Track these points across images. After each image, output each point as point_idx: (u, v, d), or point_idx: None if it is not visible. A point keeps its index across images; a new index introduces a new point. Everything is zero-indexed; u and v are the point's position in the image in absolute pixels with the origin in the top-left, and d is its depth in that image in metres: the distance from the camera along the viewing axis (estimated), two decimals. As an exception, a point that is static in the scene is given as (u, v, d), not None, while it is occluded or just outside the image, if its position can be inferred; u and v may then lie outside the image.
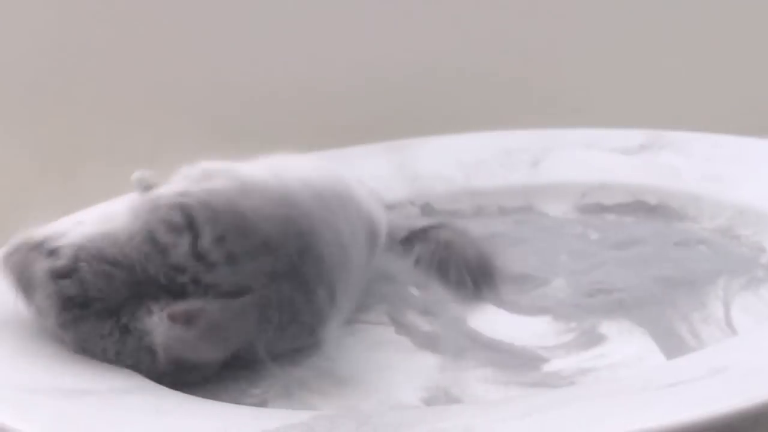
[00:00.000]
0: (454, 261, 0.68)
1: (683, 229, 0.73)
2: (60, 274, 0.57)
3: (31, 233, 0.60)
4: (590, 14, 0.97)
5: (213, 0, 0.95)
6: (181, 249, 0.57)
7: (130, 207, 0.60)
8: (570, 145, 0.82)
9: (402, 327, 0.63)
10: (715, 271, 0.66)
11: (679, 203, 0.75)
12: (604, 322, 0.62)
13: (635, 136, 0.82)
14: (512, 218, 0.78)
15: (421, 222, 0.73)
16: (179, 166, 0.64)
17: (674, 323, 0.60)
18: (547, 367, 0.58)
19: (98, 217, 0.61)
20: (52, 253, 0.58)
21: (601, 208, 0.78)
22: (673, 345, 0.58)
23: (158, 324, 0.56)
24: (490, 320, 0.63)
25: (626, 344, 0.59)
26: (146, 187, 0.65)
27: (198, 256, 0.57)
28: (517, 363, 0.58)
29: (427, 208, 0.79)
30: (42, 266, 0.58)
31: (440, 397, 0.56)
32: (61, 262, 0.57)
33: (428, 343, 0.61)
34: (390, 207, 0.73)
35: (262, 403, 0.56)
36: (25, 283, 0.59)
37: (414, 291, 0.67)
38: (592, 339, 0.60)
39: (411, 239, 0.70)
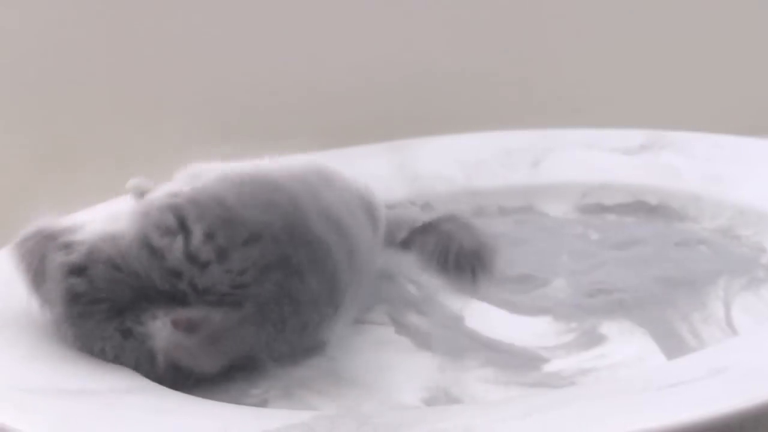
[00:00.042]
0: (453, 249, 0.68)
1: (684, 230, 0.73)
2: (72, 270, 0.57)
3: (48, 222, 0.60)
4: (591, 14, 0.97)
5: (213, 0, 0.95)
6: (176, 252, 0.57)
7: (129, 212, 0.60)
8: (570, 145, 0.82)
9: (402, 327, 0.63)
10: (716, 272, 0.66)
11: (679, 203, 0.75)
12: (605, 322, 0.62)
13: (636, 136, 0.82)
14: (512, 218, 0.78)
15: (425, 216, 0.73)
16: (178, 168, 0.64)
17: (675, 323, 0.60)
18: (548, 368, 0.58)
19: (108, 217, 0.61)
20: (67, 246, 0.58)
21: (602, 209, 0.78)
22: (673, 345, 0.58)
23: (161, 329, 0.56)
24: (491, 320, 0.63)
25: (627, 344, 0.59)
26: (141, 193, 0.65)
27: (191, 257, 0.57)
28: (517, 363, 0.58)
29: (427, 208, 0.79)
30: (55, 259, 0.58)
31: (440, 398, 0.56)
32: (74, 257, 0.57)
33: (428, 343, 0.61)
34: (390, 207, 0.73)
35: (263, 403, 0.56)
36: (35, 272, 0.59)
37: (414, 289, 0.67)
38: (592, 339, 0.60)
39: (415, 233, 0.70)
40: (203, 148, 0.63)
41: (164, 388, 0.56)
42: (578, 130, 0.84)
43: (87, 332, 0.57)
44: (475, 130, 0.85)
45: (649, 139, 0.81)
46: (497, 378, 0.57)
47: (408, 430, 0.48)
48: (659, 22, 0.97)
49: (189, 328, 0.55)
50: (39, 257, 0.59)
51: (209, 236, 0.57)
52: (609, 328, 0.61)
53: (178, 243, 0.57)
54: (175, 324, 0.55)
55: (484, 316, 0.64)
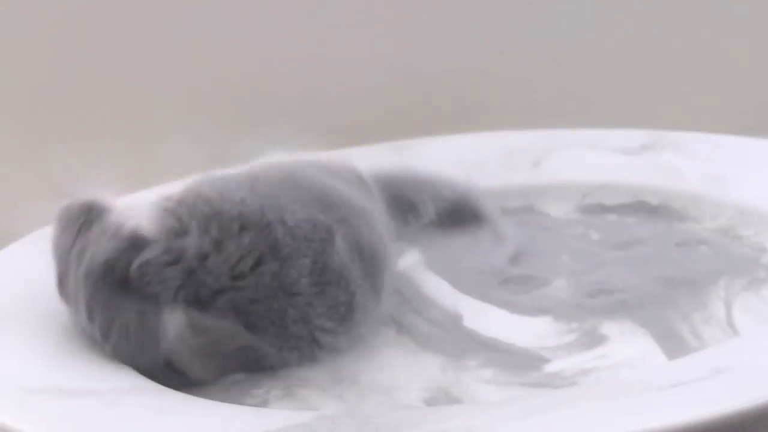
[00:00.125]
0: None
1: (684, 230, 0.73)
2: (112, 256, 0.58)
3: (98, 195, 0.61)
4: (591, 14, 0.97)
5: (214, 0, 0.95)
6: (189, 252, 0.58)
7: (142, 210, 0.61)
8: (571, 146, 0.82)
9: (403, 327, 0.63)
10: (717, 272, 0.66)
11: (680, 203, 0.75)
12: (606, 322, 0.62)
13: (637, 136, 0.82)
14: (513, 218, 0.78)
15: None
16: (177, 168, 0.64)
17: (676, 324, 0.60)
18: (549, 368, 0.58)
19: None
20: (113, 230, 0.59)
21: (603, 209, 0.77)
22: (674, 345, 0.58)
23: (174, 322, 0.56)
24: (491, 320, 0.63)
25: (628, 345, 0.59)
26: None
27: (197, 254, 0.58)
28: (518, 363, 0.58)
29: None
30: (107, 230, 0.59)
31: (441, 398, 0.56)
32: (114, 244, 0.58)
33: (429, 343, 0.61)
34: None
35: (264, 404, 0.56)
36: (72, 237, 0.59)
37: (414, 289, 0.67)
38: (593, 339, 0.60)
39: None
40: (203, 148, 0.63)
41: (165, 388, 0.56)
42: (579, 131, 0.84)
43: (104, 304, 0.58)
44: (476, 131, 0.85)
45: (650, 139, 0.81)
46: (498, 378, 0.57)
47: (409, 431, 0.48)
48: (659, 22, 0.97)
49: (199, 329, 0.56)
50: (80, 228, 0.59)
51: (204, 231, 0.58)
52: (610, 328, 0.61)
53: (183, 243, 0.58)
54: (190, 323, 0.56)
55: (484, 316, 0.64)
